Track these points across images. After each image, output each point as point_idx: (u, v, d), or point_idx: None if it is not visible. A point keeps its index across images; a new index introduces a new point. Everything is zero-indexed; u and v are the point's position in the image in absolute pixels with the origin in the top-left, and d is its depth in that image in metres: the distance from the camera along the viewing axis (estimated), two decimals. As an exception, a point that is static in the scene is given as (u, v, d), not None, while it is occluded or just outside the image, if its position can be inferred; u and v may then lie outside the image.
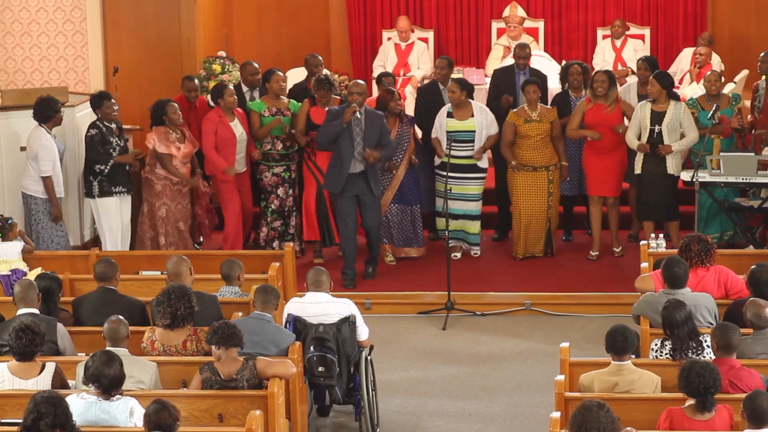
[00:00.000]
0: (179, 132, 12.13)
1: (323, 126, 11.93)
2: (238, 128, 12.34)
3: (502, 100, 12.89)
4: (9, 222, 10.60)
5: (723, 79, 12.80)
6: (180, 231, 12.24)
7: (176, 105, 12.09)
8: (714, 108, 12.04)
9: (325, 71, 13.18)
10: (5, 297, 9.41)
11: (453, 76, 13.02)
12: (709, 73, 12.49)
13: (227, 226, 12.50)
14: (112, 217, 11.95)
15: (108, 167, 11.79)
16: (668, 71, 13.55)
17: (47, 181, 11.56)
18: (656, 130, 11.94)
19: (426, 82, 14.81)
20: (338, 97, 12.56)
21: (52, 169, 11.55)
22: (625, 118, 12.28)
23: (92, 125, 11.86)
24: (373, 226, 12.16)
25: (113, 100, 11.91)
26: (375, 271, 12.30)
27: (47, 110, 11.52)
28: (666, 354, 8.02)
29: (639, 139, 12.00)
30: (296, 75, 14.17)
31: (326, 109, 12.11)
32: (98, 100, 11.89)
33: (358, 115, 11.80)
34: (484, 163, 12.53)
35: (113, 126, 11.87)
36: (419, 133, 12.94)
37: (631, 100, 12.60)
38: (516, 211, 12.59)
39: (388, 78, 13.05)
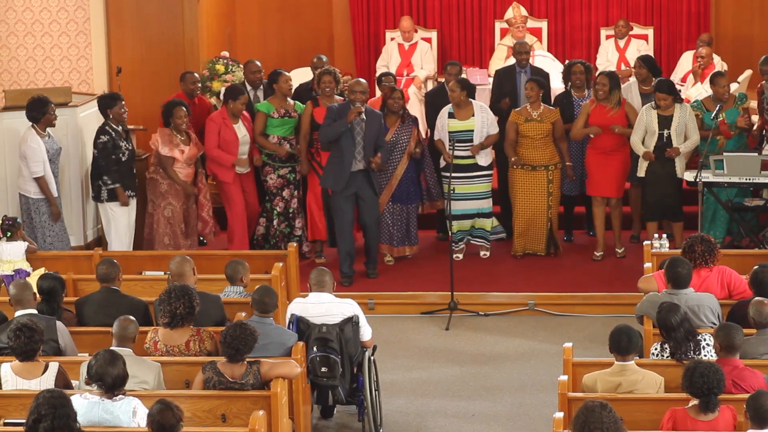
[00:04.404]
0: (185, 134, 12.13)
1: (325, 124, 11.96)
2: (241, 130, 12.35)
3: (502, 103, 12.90)
4: (17, 221, 10.62)
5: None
6: (183, 231, 12.23)
7: (184, 110, 12.05)
8: (717, 108, 12.04)
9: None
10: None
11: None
12: (719, 77, 12.38)
13: (232, 226, 12.51)
14: (120, 220, 11.93)
15: (110, 184, 11.77)
16: (669, 78, 13.59)
17: (41, 182, 11.55)
18: (665, 135, 11.96)
19: (430, 83, 14.82)
20: (341, 98, 12.55)
21: (43, 169, 11.55)
22: (628, 120, 12.26)
23: (102, 131, 11.78)
24: (371, 223, 12.16)
25: (124, 101, 11.89)
26: (376, 271, 12.29)
27: (34, 111, 11.51)
28: (666, 357, 8.02)
29: (644, 143, 12.01)
30: (300, 75, 14.18)
31: (327, 107, 12.12)
32: (110, 101, 11.81)
33: (363, 116, 11.84)
34: (483, 161, 12.48)
35: (120, 128, 11.85)
36: (423, 134, 12.94)
37: (633, 99, 12.60)
38: (515, 209, 12.61)
39: (389, 78, 13.03)
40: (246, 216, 12.55)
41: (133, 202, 12.07)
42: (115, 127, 11.80)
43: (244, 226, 12.55)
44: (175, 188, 12.15)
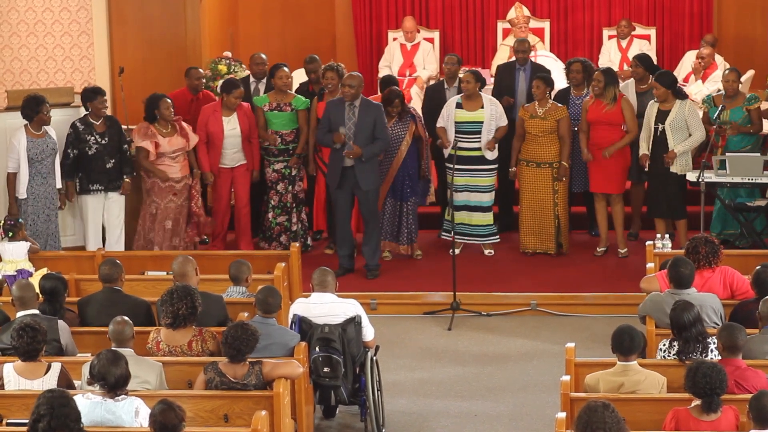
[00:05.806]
0: (170, 126, 12.09)
1: (321, 125, 12.12)
2: (230, 123, 12.37)
3: (503, 101, 12.92)
4: (19, 221, 10.62)
5: (741, 78, 12.71)
6: (166, 230, 12.15)
7: (169, 101, 12.05)
8: (720, 108, 12.05)
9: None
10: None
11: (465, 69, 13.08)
12: (727, 71, 12.43)
13: (214, 220, 12.63)
14: (90, 215, 11.94)
15: (63, 174, 11.78)
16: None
17: (9, 178, 11.58)
18: (659, 129, 11.98)
19: (432, 82, 14.82)
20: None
21: (17, 167, 11.54)
22: (624, 116, 12.28)
23: (72, 124, 11.86)
24: (367, 218, 12.18)
25: (105, 97, 11.89)
26: (375, 272, 12.28)
27: (27, 110, 11.50)
28: (674, 354, 8.02)
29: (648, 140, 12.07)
30: (302, 75, 14.20)
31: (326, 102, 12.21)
32: (91, 94, 11.80)
33: (355, 109, 11.85)
34: (491, 155, 12.50)
35: (97, 122, 11.80)
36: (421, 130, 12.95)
37: (630, 97, 12.62)
38: (522, 206, 12.66)
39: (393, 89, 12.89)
40: (229, 211, 12.57)
41: (115, 200, 11.98)
42: (92, 120, 11.79)
43: (224, 223, 12.63)
44: (158, 185, 12.12)
